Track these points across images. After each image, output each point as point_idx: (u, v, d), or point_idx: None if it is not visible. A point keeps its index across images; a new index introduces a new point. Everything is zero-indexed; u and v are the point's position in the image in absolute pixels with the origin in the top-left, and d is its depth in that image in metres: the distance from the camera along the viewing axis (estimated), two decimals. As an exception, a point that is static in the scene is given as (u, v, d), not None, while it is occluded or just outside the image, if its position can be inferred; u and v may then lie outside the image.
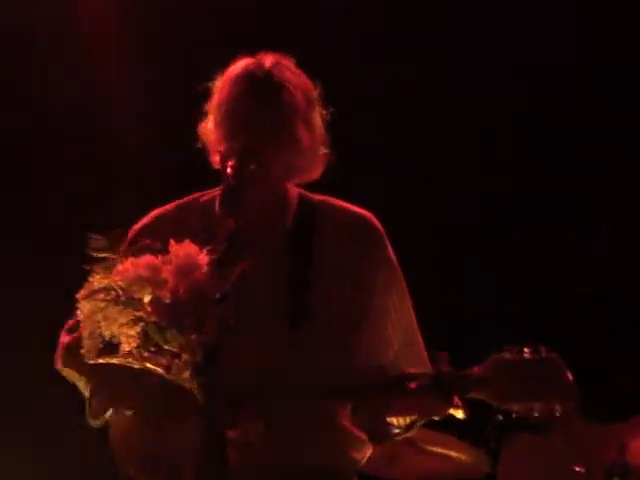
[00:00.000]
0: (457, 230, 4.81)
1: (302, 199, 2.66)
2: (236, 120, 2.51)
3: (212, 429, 2.25)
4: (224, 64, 2.62)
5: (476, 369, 2.37)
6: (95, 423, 2.50)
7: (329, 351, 2.50)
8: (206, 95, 2.62)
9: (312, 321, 2.50)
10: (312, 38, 4.16)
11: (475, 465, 4.30)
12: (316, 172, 2.61)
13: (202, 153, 2.63)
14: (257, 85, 2.52)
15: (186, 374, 2.25)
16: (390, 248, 2.63)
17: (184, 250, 2.29)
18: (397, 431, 2.57)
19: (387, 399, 2.49)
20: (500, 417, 2.35)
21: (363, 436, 2.59)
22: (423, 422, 2.55)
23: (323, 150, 2.60)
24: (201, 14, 4.75)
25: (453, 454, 4.29)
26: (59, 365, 2.56)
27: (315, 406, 2.51)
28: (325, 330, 2.51)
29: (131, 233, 2.61)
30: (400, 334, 2.61)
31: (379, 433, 2.60)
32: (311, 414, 2.50)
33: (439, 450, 4.25)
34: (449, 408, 2.43)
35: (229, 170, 2.41)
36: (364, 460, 2.61)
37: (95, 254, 2.30)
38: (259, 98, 2.51)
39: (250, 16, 4.67)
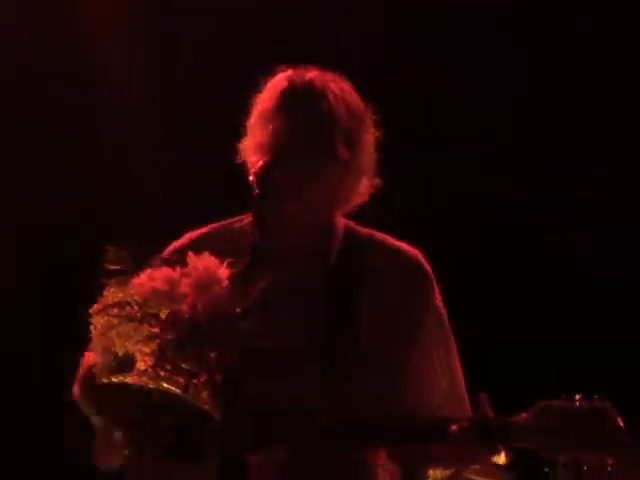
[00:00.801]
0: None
1: (349, 232, 2.49)
2: (271, 129, 2.37)
3: (229, 456, 2.13)
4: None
5: (523, 416, 2.22)
6: (105, 467, 2.35)
7: (364, 401, 2.33)
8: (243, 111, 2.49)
9: (347, 369, 2.35)
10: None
11: None
12: (360, 196, 2.46)
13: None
14: (295, 94, 2.39)
15: (204, 394, 2.13)
16: (438, 293, 2.48)
17: (203, 263, 2.17)
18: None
19: (427, 445, 2.34)
20: (547, 469, 2.20)
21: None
22: (463, 474, 2.43)
23: (370, 173, 2.45)
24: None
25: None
26: (76, 396, 2.41)
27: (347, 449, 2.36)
28: (360, 379, 2.35)
29: (168, 251, 2.48)
30: (444, 383, 2.46)
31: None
32: (342, 457, 2.35)
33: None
34: (491, 456, 2.29)
35: (251, 178, 2.28)
36: None
37: (111, 267, 2.18)
38: (296, 107, 2.38)
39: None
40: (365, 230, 2.52)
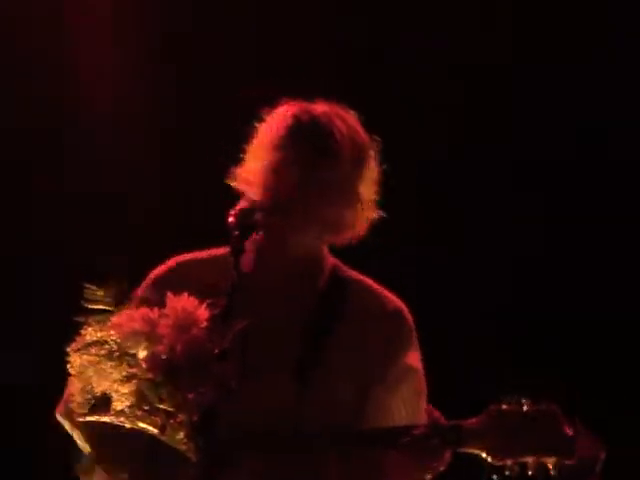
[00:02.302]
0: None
1: (336, 272, 2.50)
2: (268, 165, 2.38)
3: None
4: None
5: (472, 420, 2.24)
6: (84, 478, 2.37)
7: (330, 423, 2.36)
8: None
9: (319, 385, 2.38)
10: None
11: None
12: (354, 234, 2.45)
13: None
14: (300, 132, 2.39)
15: (181, 435, 2.13)
16: (417, 347, 2.48)
17: (182, 304, 2.16)
18: None
19: (377, 449, 2.34)
20: (494, 477, 2.21)
21: None
22: None
23: (367, 209, 2.45)
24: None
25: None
26: (57, 414, 2.42)
27: (305, 473, 2.35)
28: (328, 400, 2.38)
29: (152, 279, 2.49)
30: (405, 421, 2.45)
31: None
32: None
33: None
34: (441, 465, 2.29)
35: (230, 219, 2.27)
36: None
37: (90, 305, 2.17)
38: (299, 145, 2.38)
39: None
40: (354, 273, 2.52)
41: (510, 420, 2.20)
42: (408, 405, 2.43)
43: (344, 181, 2.40)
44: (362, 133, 2.45)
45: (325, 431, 2.34)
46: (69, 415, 2.37)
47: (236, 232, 2.26)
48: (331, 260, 2.52)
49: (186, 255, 2.55)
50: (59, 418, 2.43)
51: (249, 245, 2.31)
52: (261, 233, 2.35)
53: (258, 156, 2.43)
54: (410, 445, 2.23)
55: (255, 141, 2.46)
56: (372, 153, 2.46)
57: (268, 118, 2.46)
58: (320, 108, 2.43)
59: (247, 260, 2.31)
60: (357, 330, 2.44)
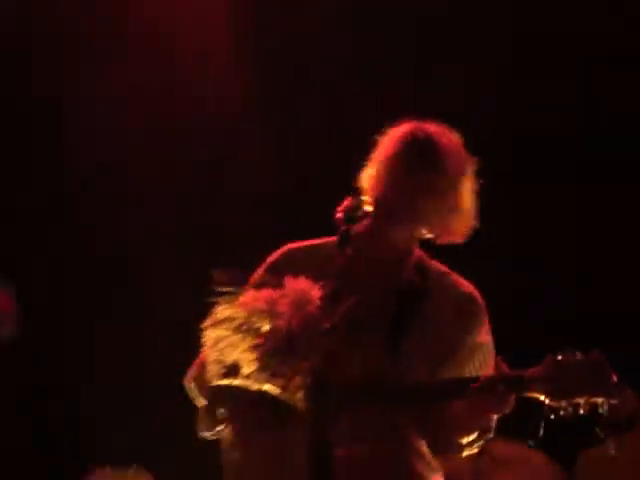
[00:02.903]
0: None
1: (421, 261, 2.92)
2: (395, 181, 2.80)
3: (319, 448, 2.53)
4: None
5: (532, 370, 2.62)
6: (206, 436, 2.80)
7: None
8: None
9: (405, 356, 2.79)
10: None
11: None
12: (455, 238, 2.88)
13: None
14: (419, 151, 2.80)
15: (299, 395, 2.54)
16: (488, 326, 2.90)
17: (299, 285, 2.58)
18: (462, 445, 2.81)
19: (450, 400, 2.74)
20: (552, 415, 2.60)
21: (433, 459, 2.86)
22: (484, 439, 2.80)
23: (466, 218, 2.86)
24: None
25: (530, 473, 4.55)
26: (186, 382, 2.88)
27: (390, 423, 2.77)
28: (412, 365, 2.79)
29: (268, 263, 2.92)
30: None
31: (445, 449, 2.86)
32: (387, 431, 2.77)
33: (519, 468, 4.52)
34: (506, 409, 2.66)
35: (338, 214, 2.70)
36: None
37: (219, 288, 2.60)
38: (414, 158, 2.80)
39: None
40: (436, 264, 2.95)
41: (565, 367, 2.58)
42: (477, 370, 2.83)
43: (446, 191, 2.82)
44: (464, 151, 2.88)
45: (406, 386, 2.75)
46: (197, 382, 2.84)
47: (343, 225, 2.67)
48: (417, 252, 2.94)
49: (296, 243, 2.99)
50: (186, 386, 2.89)
51: (352, 236, 2.74)
52: (364, 227, 2.81)
53: (378, 163, 2.87)
54: (479, 393, 2.61)
55: (377, 151, 2.89)
56: (471, 169, 2.88)
57: (389, 132, 2.90)
58: (432, 128, 2.86)
59: (350, 249, 2.74)
60: (437, 307, 2.86)
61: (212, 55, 5.36)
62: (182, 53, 5.35)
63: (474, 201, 2.88)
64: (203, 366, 2.75)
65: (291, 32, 5.20)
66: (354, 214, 2.72)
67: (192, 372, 2.88)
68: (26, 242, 5.45)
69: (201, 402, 2.84)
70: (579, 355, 2.59)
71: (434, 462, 2.84)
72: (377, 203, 2.82)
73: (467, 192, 2.86)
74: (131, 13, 5.31)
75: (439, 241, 2.90)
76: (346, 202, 2.74)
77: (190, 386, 2.87)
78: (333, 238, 2.86)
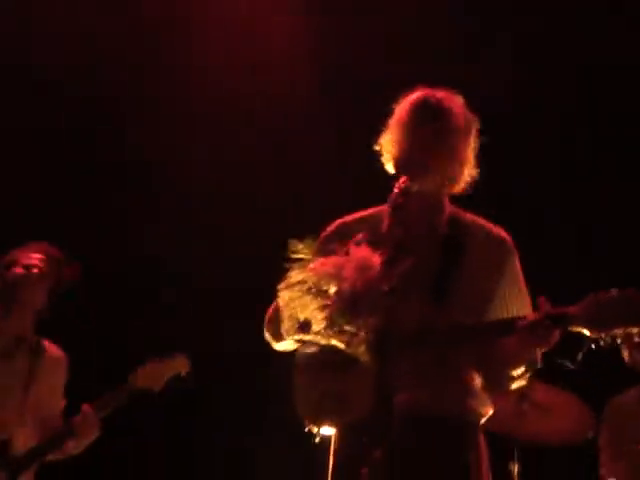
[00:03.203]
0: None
1: (454, 214, 3.34)
2: (410, 136, 3.21)
3: (381, 392, 2.93)
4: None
5: (574, 307, 3.00)
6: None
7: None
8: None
9: (453, 305, 3.19)
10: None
11: (582, 429, 5.00)
12: (464, 184, 3.29)
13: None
14: (429, 108, 3.23)
15: (362, 348, 2.94)
16: (518, 262, 3.31)
17: (361, 253, 2.97)
18: (512, 377, 3.20)
19: (501, 338, 3.12)
20: (593, 345, 2.98)
21: (484, 394, 3.25)
22: (530, 372, 3.19)
23: (472, 168, 3.29)
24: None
25: (566, 417, 4.97)
26: (266, 333, 3.34)
27: (445, 364, 3.16)
28: (459, 309, 3.19)
29: (321, 237, 3.30)
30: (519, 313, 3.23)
31: (496, 383, 3.25)
32: (442, 373, 3.16)
33: (557, 412, 4.94)
34: (551, 342, 3.03)
35: (396, 190, 3.07)
36: (487, 413, 3.26)
37: (293, 254, 2.99)
38: (428, 119, 3.21)
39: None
40: (468, 214, 3.36)
41: (603, 303, 2.95)
42: (519, 302, 3.24)
43: (458, 146, 3.24)
44: (469, 112, 3.29)
45: (457, 329, 3.15)
46: (271, 335, 3.28)
47: (399, 199, 3.05)
48: (449, 207, 3.34)
49: (346, 217, 3.39)
50: (267, 337, 3.32)
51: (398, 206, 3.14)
52: (402, 197, 3.15)
53: (394, 127, 3.28)
54: (527, 329, 3.00)
55: (394, 117, 3.29)
56: (475, 127, 3.30)
57: (404, 100, 3.31)
58: (440, 92, 3.27)
59: (398, 218, 3.13)
60: (474, 256, 3.25)
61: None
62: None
63: (475, 155, 3.28)
64: (272, 324, 3.23)
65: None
66: (408, 190, 3.10)
67: (266, 327, 3.34)
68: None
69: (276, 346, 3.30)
70: (615, 291, 2.95)
71: (485, 398, 3.24)
72: (397, 162, 3.23)
73: (472, 147, 3.28)
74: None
75: (453, 190, 3.30)
76: (402, 180, 3.11)
77: (268, 334, 3.33)
78: (378, 208, 3.30)
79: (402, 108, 3.29)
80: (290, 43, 5.79)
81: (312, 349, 3.13)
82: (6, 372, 4.49)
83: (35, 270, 4.47)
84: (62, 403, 4.52)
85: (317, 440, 3.15)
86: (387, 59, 5.61)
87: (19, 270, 4.47)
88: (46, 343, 4.61)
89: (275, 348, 3.32)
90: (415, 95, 3.29)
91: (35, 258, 4.51)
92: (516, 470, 4.93)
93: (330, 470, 3.20)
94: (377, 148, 3.31)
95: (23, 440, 4.35)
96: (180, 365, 4.40)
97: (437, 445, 3.13)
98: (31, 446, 4.33)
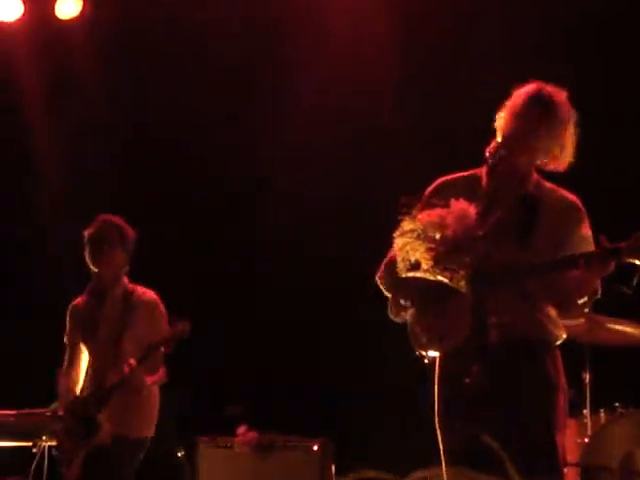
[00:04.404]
0: None
1: (537, 180, 4.02)
2: (521, 118, 3.89)
3: (478, 318, 3.62)
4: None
5: (625, 242, 3.62)
6: (396, 319, 3.92)
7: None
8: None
9: (532, 248, 3.86)
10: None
11: None
12: (559, 166, 3.96)
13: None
14: (538, 98, 3.91)
15: (462, 283, 3.63)
16: (588, 223, 3.96)
17: (460, 205, 3.65)
18: (579, 304, 3.84)
19: (567, 270, 3.77)
20: None
21: (559, 320, 3.94)
22: (594, 299, 3.84)
23: (569, 153, 3.95)
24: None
25: (628, 329, 5.69)
26: (378, 278, 4.02)
27: (526, 294, 3.83)
28: (537, 253, 3.86)
29: (426, 193, 3.99)
30: None
31: (567, 310, 3.93)
32: (524, 301, 3.85)
33: (619, 327, 5.66)
34: (608, 272, 3.67)
35: (487, 153, 3.75)
36: (562, 336, 3.94)
37: (404, 208, 3.67)
38: (537, 107, 3.89)
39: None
40: (548, 183, 4.03)
41: None
42: (585, 248, 3.85)
43: (556, 130, 3.91)
44: (570, 105, 3.96)
45: (533, 265, 3.82)
46: (385, 277, 3.96)
47: (491, 160, 3.73)
48: (535, 175, 4.02)
49: (447, 176, 4.07)
50: (378, 281, 4.01)
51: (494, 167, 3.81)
52: (494, 158, 3.84)
53: (509, 109, 3.96)
54: (588, 263, 3.66)
55: (510, 101, 3.97)
56: (574, 119, 3.95)
57: (519, 90, 3.98)
58: (549, 87, 3.95)
59: (493, 177, 3.81)
60: (551, 212, 3.92)
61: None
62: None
63: (574, 142, 3.94)
64: (389, 267, 3.88)
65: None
66: (497, 152, 3.78)
67: (381, 271, 4.02)
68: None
69: (389, 294, 3.97)
70: None
71: (559, 321, 3.93)
72: (505, 138, 3.89)
73: (570, 134, 3.93)
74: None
75: (547, 167, 3.97)
76: (493, 144, 3.79)
77: (380, 281, 4.01)
78: (474, 170, 3.98)
79: (518, 94, 3.96)
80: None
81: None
82: (104, 323, 5.40)
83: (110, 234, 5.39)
84: (159, 338, 5.20)
85: (427, 362, 3.86)
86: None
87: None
88: (138, 288, 5.45)
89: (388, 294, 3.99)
90: (531, 86, 3.96)
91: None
92: (587, 378, 5.67)
93: (437, 384, 3.89)
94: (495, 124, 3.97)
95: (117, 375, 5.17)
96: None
97: (523, 360, 3.83)
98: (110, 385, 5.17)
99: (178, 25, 7.12)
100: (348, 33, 6.76)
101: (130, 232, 5.44)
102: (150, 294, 5.43)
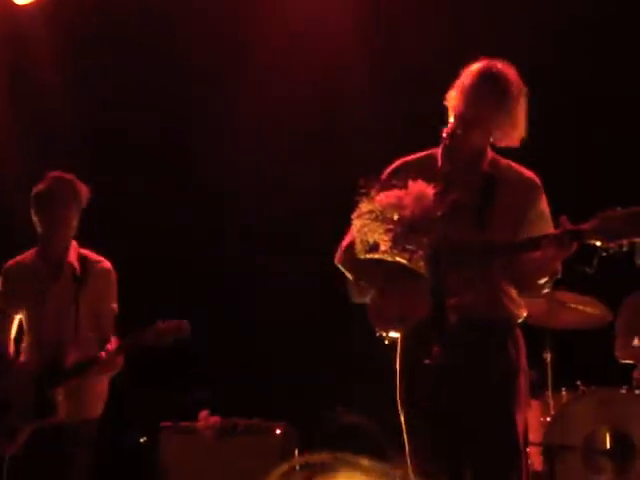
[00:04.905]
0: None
1: (494, 158, 4.03)
2: (471, 95, 3.88)
3: (437, 299, 3.63)
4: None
5: (587, 223, 3.66)
6: (356, 301, 3.93)
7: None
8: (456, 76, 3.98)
9: (491, 227, 3.88)
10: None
11: (602, 316, 5.81)
12: (512, 142, 3.96)
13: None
14: (488, 75, 3.90)
15: (421, 264, 3.63)
16: (545, 200, 3.99)
17: (418, 186, 3.65)
18: (540, 284, 3.88)
19: (529, 252, 3.80)
20: (603, 253, 3.64)
21: (519, 299, 3.95)
22: (554, 279, 3.87)
23: (520, 129, 3.94)
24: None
25: (588, 309, 5.74)
26: (337, 261, 4.00)
27: (486, 275, 3.86)
28: (495, 232, 3.88)
29: (384, 174, 3.99)
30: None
31: (527, 289, 3.96)
32: (484, 282, 3.86)
33: (579, 307, 5.70)
34: (569, 253, 3.68)
35: (444, 134, 3.75)
36: (522, 315, 3.96)
37: (363, 190, 3.67)
38: (487, 84, 3.88)
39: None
40: (504, 159, 4.04)
41: (612, 217, 3.61)
42: (544, 226, 3.91)
43: (507, 107, 3.90)
44: (520, 80, 3.95)
45: (494, 245, 3.85)
46: (344, 261, 3.96)
47: (448, 141, 3.73)
48: (490, 153, 4.02)
49: (405, 157, 4.08)
50: (337, 264, 4.00)
51: (449, 147, 3.81)
52: (450, 138, 3.83)
53: (459, 88, 3.95)
54: (549, 244, 3.68)
55: (460, 80, 3.96)
56: (525, 94, 3.94)
57: (469, 68, 3.97)
58: (499, 63, 3.94)
59: (448, 157, 3.81)
60: (509, 189, 3.94)
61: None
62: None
63: (525, 118, 3.93)
64: (348, 249, 3.88)
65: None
66: (453, 132, 3.78)
67: (340, 254, 4.01)
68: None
69: (349, 276, 3.98)
70: (619, 209, 3.62)
71: (520, 301, 3.95)
72: (458, 117, 3.89)
73: (522, 109, 3.93)
74: None
75: (498, 144, 3.97)
76: (449, 126, 3.80)
77: (339, 264, 4.01)
78: (430, 150, 3.99)
79: (468, 72, 3.95)
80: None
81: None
82: (57, 292, 5.05)
83: (63, 191, 5.03)
84: (114, 307, 5.05)
85: (387, 342, 3.87)
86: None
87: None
88: (90, 256, 5.14)
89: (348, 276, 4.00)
90: (480, 63, 3.96)
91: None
92: (549, 358, 5.71)
93: (398, 364, 3.93)
94: (445, 103, 3.97)
95: (75, 352, 4.91)
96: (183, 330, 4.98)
97: (483, 340, 3.85)
98: (72, 363, 4.90)
99: (143, 9, 7.06)
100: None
101: (84, 190, 5.10)
102: (105, 263, 5.17)
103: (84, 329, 4.98)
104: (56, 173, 5.11)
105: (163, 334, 4.92)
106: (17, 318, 5.16)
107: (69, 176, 5.10)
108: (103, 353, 4.87)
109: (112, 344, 4.90)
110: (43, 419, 4.89)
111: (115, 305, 5.09)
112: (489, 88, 3.88)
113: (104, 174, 6.30)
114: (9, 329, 5.15)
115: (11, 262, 5.24)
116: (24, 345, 5.11)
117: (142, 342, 4.92)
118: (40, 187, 5.09)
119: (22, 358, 5.10)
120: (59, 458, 4.88)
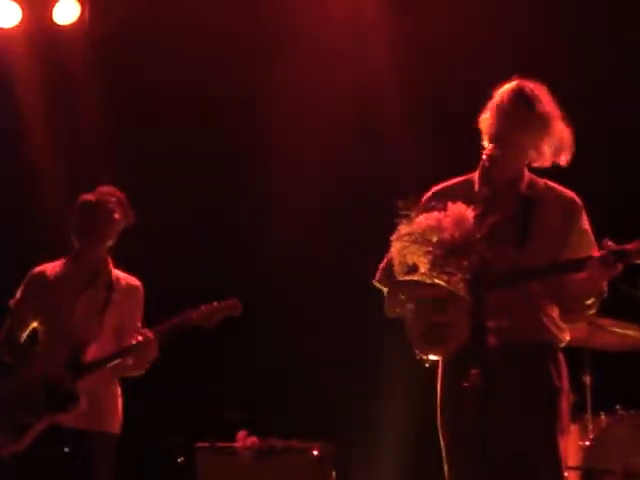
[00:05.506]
0: None
1: (531, 179, 4.01)
2: (505, 117, 3.88)
3: (476, 321, 3.60)
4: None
5: (631, 244, 3.62)
6: (391, 315, 3.91)
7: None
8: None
9: (531, 249, 3.85)
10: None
11: None
12: (546, 163, 3.95)
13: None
14: (521, 96, 3.90)
15: (460, 286, 3.61)
16: (587, 219, 3.96)
17: (458, 208, 3.63)
18: (587, 304, 3.83)
19: (574, 273, 3.76)
20: None
21: (562, 323, 3.92)
22: (600, 300, 3.82)
23: (559, 148, 3.92)
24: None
25: (630, 333, 5.69)
26: (376, 281, 4.00)
27: (527, 298, 3.83)
28: (536, 253, 3.85)
29: (423, 199, 3.99)
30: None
31: (572, 312, 3.91)
32: (525, 304, 3.83)
33: (620, 330, 5.65)
34: (615, 273, 3.65)
35: (484, 156, 3.74)
36: (565, 339, 3.93)
37: (402, 212, 3.66)
38: (520, 105, 3.88)
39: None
40: (542, 180, 4.02)
41: None
42: (586, 246, 3.88)
43: (542, 127, 3.88)
44: (553, 100, 3.93)
45: (536, 268, 3.82)
46: (383, 281, 3.95)
47: (487, 164, 3.72)
48: (527, 174, 4.00)
49: (441, 184, 4.08)
50: (376, 284, 4.00)
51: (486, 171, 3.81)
52: (489, 160, 3.82)
53: (492, 110, 3.94)
54: (594, 265, 3.65)
55: (493, 100, 3.96)
56: (559, 114, 3.92)
57: (500, 88, 3.97)
58: (531, 84, 3.93)
59: (487, 181, 3.79)
60: (548, 210, 3.91)
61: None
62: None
63: (569, 137, 3.91)
64: (386, 270, 3.90)
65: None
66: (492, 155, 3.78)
67: (379, 275, 4.03)
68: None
69: (387, 293, 3.98)
70: None
71: (562, 324, 3.92)
72: (493, 138, 3.88)
73: (559, 129, 3.90)
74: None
75: (535, 164, 3.95)
76: (488, 149, 3.78)
77: (378, 284, 4.01)
78: (469, 175, 3.99)
79: (501, 94, 3.95)
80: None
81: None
82: (87, 300, 5.07)
83: (111, 205, 5.09)
84: (138, 326, 5.04)
85: (427, 365, 3.85)
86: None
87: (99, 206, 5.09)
88: (121, 274, 5.19)
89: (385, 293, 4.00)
90: (513, 84, 3.95)
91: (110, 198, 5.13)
92: (588, 381, 5.66)
93: (439, 388, 3.92)
94: (478, 125, 3.97)
95: (94, 352, 4.95)
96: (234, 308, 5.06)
97: (523, 364, 3.81)
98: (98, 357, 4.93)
99: (178, 27, 7.10)
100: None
101: (131, 212, 5.17)
102: (136, 280, 5.21)
103: (106, 335, 5.01)
104: (108, 187, 5.19)
105: (214, 312, 5.00)
106: (31, 326, 5.17)
107: (121, 193, 5.18)
108: (140, 337, 4.89)
109: (146, 330, 4.93)
110: (65, 410, 4.85)
111: (140, 324, 5.11)
112: (524, 108, 3.86)
113: (141, 193, 6.34)
114: (20, 336, 5.16)
115: (38, 269, 5.25)
116: (40, 349, 5.10)
117: (190, 321, 4.97)
118: (89, 197, 5.14)
119: (36, 358, 5.07)
120: (77, 469, 4.87)
